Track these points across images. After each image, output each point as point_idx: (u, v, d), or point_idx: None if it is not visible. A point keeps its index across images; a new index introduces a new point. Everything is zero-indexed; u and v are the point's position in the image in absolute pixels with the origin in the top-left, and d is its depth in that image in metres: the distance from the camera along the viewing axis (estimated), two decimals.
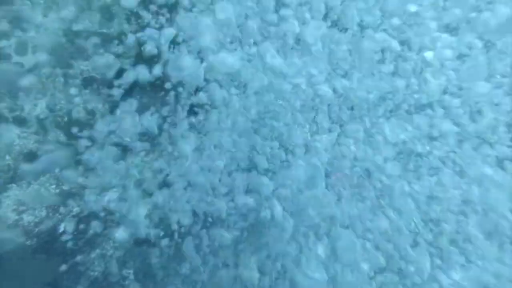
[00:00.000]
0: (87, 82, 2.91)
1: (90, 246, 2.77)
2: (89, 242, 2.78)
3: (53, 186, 2.80)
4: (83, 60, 2.94)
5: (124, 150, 2.99)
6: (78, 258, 2.72)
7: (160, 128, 3.10)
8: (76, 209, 2.83)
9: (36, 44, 2.79)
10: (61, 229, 2.83)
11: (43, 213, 2.74)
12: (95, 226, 2.78)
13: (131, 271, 2.76)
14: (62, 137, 2.84)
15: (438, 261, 2.80)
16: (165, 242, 2.86)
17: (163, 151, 3.10)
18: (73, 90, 2.87)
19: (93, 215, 2.82)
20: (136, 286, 2.69)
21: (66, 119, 2.84)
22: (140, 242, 2.84)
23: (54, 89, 2.85)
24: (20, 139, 2.74)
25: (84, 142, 2.91)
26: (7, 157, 2.80)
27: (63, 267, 2.66)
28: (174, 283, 2.71)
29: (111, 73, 2.95)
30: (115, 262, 2.76)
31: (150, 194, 3.04)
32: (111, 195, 2.91)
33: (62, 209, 2.80)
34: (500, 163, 2.95)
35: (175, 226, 2.94)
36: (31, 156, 2.74)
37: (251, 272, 2.71)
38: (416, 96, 3.13)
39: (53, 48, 2.88)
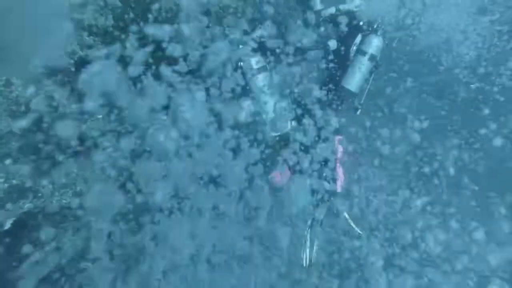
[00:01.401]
0: (52, 71, 2.68)
1: (43, 240, 2.65)
2: (43, 235, 2.65)
3: (1, 180, 2.54)
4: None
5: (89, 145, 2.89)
6: (29, 252, 2.57)
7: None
8: (28, 205, 2.64)
9: None
10: (7, 226, 2.62)
11: None
12: (52, 220, 2.67)
13: (89, 264, 2.77)
14: (15, 128, 2.58)
15: None
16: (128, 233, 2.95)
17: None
18: (34, 78, 2.62)
19: (50, 210, 2.69)
20: (95, 277, 2.72)
21: (22, 108, 2.58)
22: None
23: (10, 73, 2.54)
24: None
25: (40, 136, 2.71)
26: None
27: (12, 263, 2.50)
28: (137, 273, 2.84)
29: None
30: (73, 255, 2.71)
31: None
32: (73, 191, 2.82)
33: (9, 205, 2.58)
34: None
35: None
36: None
37: None
38: None
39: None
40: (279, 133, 3.04)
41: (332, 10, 3.81)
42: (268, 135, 3.01)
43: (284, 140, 3.16)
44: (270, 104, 2.95)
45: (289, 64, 3.29)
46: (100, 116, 2.92)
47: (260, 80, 2.94)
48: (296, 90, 3.17)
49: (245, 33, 3.49)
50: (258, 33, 3.29)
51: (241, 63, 2.96)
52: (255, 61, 2.93)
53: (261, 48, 3.09)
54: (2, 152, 2.54)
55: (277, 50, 3.17)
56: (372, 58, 3.55)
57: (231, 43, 3.52)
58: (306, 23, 4.15)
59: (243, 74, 2.96)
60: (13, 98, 2.55)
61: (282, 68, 3.16)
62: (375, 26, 3.68)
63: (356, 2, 3.82)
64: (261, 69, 2.92)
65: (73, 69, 2.74)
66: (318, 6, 3.78)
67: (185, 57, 2.86)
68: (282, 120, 2.97)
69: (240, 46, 3.04)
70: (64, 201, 2.76)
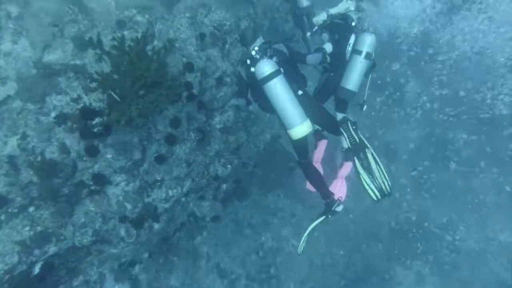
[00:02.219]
0: (61, 120, 2.83)
1: (70, 276, 2.75)
2: (70, 271, 2.76)
3: (27, 228, 2.68)
4: (56, 95, 2.84)
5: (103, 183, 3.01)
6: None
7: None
8: (52, 249, 2.76)
9: (5, 75, 2.62)
10: (36, 271, 2.74)
11: (15, 258, 2.60)
12: (77, 256, 2.77)
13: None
14: (35, 178, 2.71)
15: None
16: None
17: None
18: (46, 128, 2.78)
19: (73, 248, 2.81)
20: None
21: (39, 158, 2.73)
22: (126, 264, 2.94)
23: (25, 126, 2.71)
24: None
25: (58, 181, 2.84)
26: None
27: None
28: None
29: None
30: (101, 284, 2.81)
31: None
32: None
33: (36, 252, 2.70)
34: None
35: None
36: (1, 200, 2.57)
37: None
38: None
39: (24, 80, 2.73)
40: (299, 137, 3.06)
41: (323, 16, 3.89)
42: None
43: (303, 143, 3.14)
44: (290, 103, 2.98)
45: (293, 68, 3.35)
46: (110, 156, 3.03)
47: (278, 83, 2.98)
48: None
49: (246, 44, 3.54)
50: (258, 42, 3.37)
51: (253, 69, 3.00)
52: (269, 66, 2.97)
53: (266, 55, 3.15)
54: (25, 202, 2.68)
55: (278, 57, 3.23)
56: (368, 56, 3.57)
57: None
58: (297, 25, 4.22)
59: (257, 81, 3.00)
60: (30, 149, 2.71)
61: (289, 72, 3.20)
62: (365, 24, 3.71)
63: (346, 4, 3.88)
64: (275, 73, 2.94)
65: None
66: (305, 3, 3.92)
67: None
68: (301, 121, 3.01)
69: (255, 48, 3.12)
70: (85, 240, 2.86)
